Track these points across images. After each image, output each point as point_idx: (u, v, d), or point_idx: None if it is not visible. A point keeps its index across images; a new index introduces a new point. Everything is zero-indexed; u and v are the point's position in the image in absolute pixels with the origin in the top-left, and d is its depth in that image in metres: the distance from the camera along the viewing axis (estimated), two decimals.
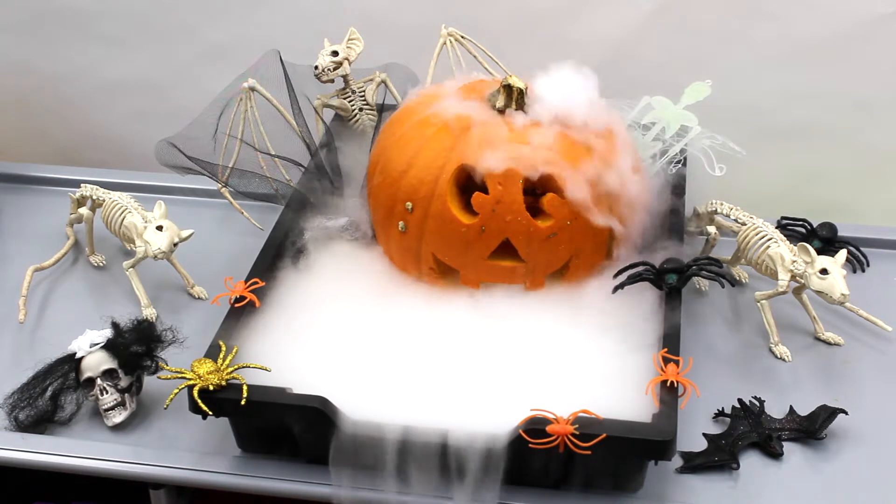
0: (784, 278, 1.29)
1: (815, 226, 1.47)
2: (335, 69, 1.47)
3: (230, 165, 1.47)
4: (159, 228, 1.34)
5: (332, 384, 1.12)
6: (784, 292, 1.30)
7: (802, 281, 1.28)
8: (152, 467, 1.18)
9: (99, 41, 1.82)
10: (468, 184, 1.25)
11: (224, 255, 1.51)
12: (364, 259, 1.35)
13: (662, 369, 1.12)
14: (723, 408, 1.25)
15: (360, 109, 1.52)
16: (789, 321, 1.38)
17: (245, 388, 1.10)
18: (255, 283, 1.25)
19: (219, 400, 1.11)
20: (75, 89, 1.88)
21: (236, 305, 1.23)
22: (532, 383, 1.15)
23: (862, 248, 1.48)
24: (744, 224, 1.37)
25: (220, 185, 1.50)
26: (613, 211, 1.27)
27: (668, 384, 1.11)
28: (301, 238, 1.35)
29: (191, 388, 1.11)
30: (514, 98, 1.28)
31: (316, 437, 1.12)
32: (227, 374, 1.12)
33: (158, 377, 1.21)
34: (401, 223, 1.28)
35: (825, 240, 1.46)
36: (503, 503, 1.12)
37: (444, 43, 1.52)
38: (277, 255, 1.32)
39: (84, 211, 1.49)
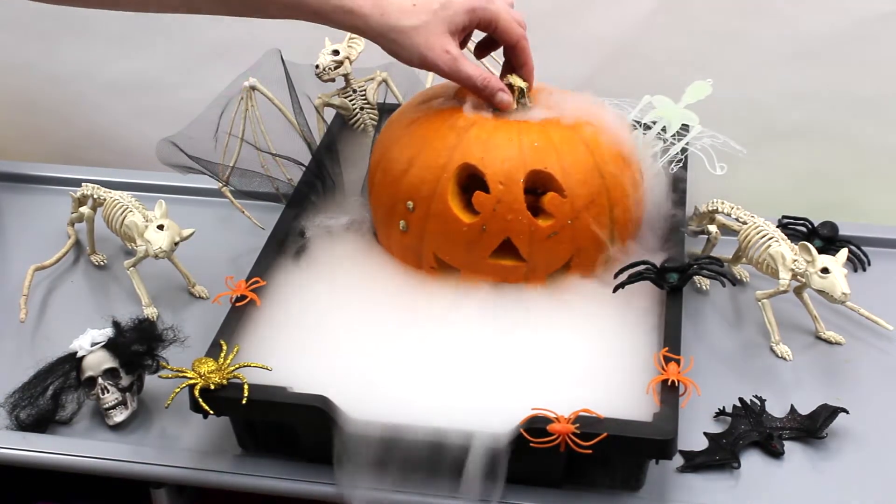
0: (785, 277, 1.29)
1: (816, 225, 1.47)
2: (336, 68, 1.47)
3: (231, 164, 1.47)
4: (160, 227, 1.34)
5: (333, 383, 1.12)
6: (785, 291, 1.30)
7: (803, 280, 1.28)
8: (153, 466, 1.18)
9: (100, 40, 1.82)
10: (469, 183, 1.25)
11: (225, 255, 1.51)
12: (365, 258, 1.34)
13: (663, 368, 1.12)
14: (724, 407, 1.25)
15: (362, 108, 1.52)
16: (790, 320, 1.38)
17: (246, 387, 1.10)
18: (257, 282, 1.25)
19: (220, 399, 1.11)
20: (75, 89, 1.87)
21: (237, 305, 1.23)
22: (533, 382, 1.15)
23: (863, 248, 1.48)
24: (745, 223, 1.37)
25: (221, 185, 1.50)
26: (614, 208, 1.27)
27: (669, 383, 1.11)
28: (302, 237, 1.35)
29: (192, 387, 1.11)
30: (516, 97, 1.28)
31: (317, 436, 1.12)
32: (228, 373, 1.12)
33: (159, 376, 1.21)
34: (402, 222, 1.29)
35: (826, 239, 1.46)
36: (503, 502, 1.12)
37: None
38: (279, 254, 1.32)
39: (85, 210, 1.49)
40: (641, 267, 1.24)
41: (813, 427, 1.21)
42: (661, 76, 1.64)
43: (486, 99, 1.26)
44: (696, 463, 1.18)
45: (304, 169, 1.43)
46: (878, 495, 1.15)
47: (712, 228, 1.42)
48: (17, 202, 1.68)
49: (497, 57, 1.53)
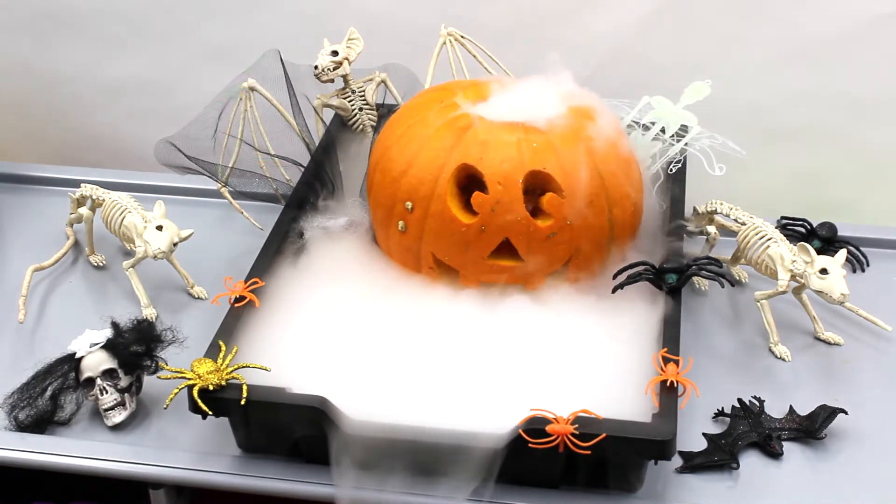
0: (784, 278, 1.29)
1: (814, 225, 1.47)
2: (335, 69, 1.47)
3: (230, 165, 1.47)
4: (159, 228, 1.34)
5: (332, 383, 1.12)
6: (784, 292, 1.30)
7: (802, 281, 1.28)
8: (152, 467, 1.18)
9: (99, 41, 1.82)
10: (468, 183, 1.25)
11: (224, 255, 1.51)
12: (364, 259, 1.35)
13: (662, 369, 1.12)
14: (722, 407, 1.25)
15: (360, 109, 1.52)
16: (789, 321, 1.38)
17: (245, 387, 1.10)
18: (255, 282, 1.25)
19: (218, 400, 1.11)
20: (75, 89, 1.88)
21: (236, 305, 1.23)
22: (532, 383, 1.15)
23: (862, 248, 1.48)
24: (744, 224, 1.37)
25: (219, 185, 1.51)
26: (613, 209, 1.27)
27: (668, 384, 1.11)
28: (301, 238, 1.35)
29: (190, 387, 1.11)
30: None
31: (315, 437, 1.12)
32: (226, 373, 1.12)
33: (158, 377, 1.21)
34: (400, 223, 1.28)
35: (825, 239, 1.46)
36: (503, 503, 1.12)
37: (444, 43, 1.52)
38: (277, 254, 1.32)
39: (84, 211, 1.49)
40: (640, 267, 1.24)
41: (812, 428, 1.21)
42: (661, 77, 1.64)
43: None
44: (694, 464, 1.18)
45: (302, 170, 1.42)
46: (877, 496, 1.15)
47: (711, 229, 1.42)
48: (15, 203, 1.67)
49: (496, 58, 1.53)
